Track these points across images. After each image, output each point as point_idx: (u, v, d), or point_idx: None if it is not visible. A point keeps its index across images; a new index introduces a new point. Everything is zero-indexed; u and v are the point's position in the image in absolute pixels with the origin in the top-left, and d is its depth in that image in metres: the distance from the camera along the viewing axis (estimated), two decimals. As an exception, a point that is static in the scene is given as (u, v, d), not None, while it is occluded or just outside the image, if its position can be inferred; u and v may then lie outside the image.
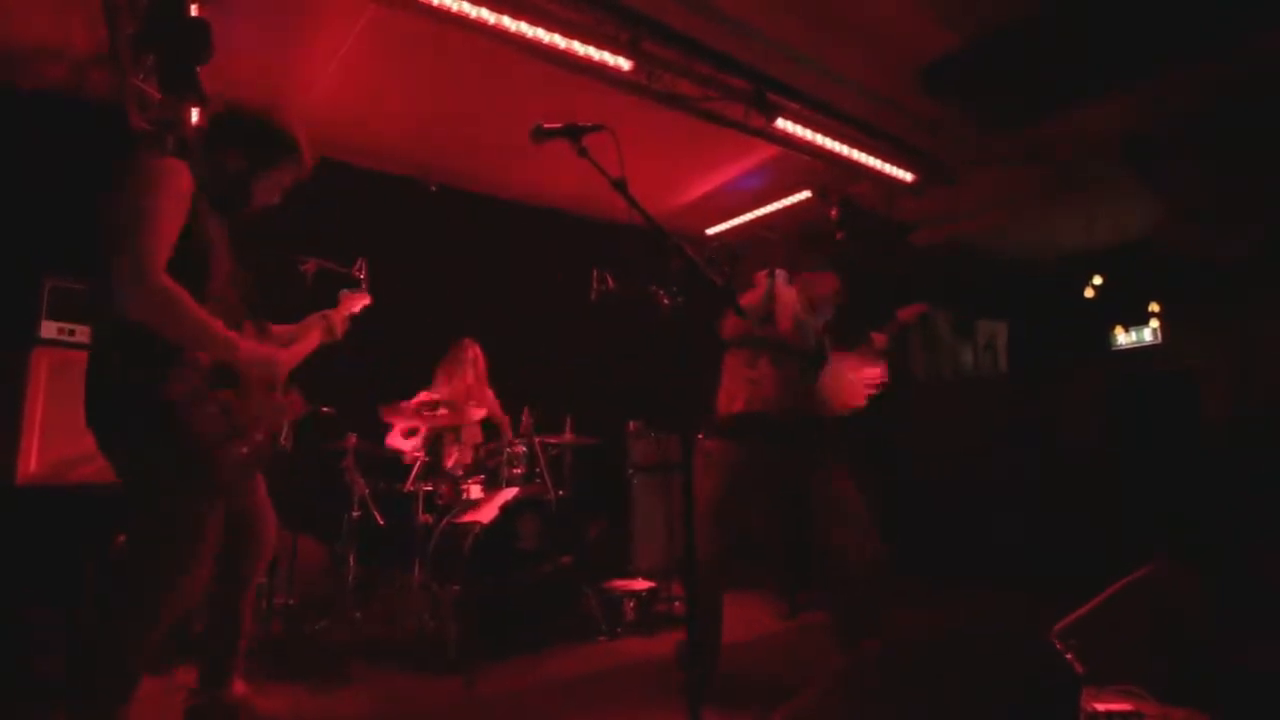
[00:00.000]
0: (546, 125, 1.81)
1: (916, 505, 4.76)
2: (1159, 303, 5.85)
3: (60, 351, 3.07)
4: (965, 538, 4.55)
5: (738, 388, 2.77)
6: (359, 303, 2.45)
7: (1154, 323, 5.92)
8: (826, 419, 2.82)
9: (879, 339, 3.05)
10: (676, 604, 3.76)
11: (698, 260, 1.74)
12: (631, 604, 3.53)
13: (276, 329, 2.14)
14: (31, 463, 2.91)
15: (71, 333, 3.14)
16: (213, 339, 1.67)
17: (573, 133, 1.78)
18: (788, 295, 2.85)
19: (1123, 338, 6.38)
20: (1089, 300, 6.02)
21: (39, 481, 2.93)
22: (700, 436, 2.90)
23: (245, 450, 1.77)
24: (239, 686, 2.19)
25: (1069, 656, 2.09)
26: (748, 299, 2.80)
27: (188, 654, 2.94)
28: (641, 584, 3.70)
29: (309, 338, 2.10)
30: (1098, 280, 5.87)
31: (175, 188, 1.67)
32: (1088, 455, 4.70)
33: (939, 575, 4.14)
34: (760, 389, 2.73)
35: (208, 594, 1.85)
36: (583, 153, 1.77)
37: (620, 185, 1.71)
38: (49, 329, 3.08)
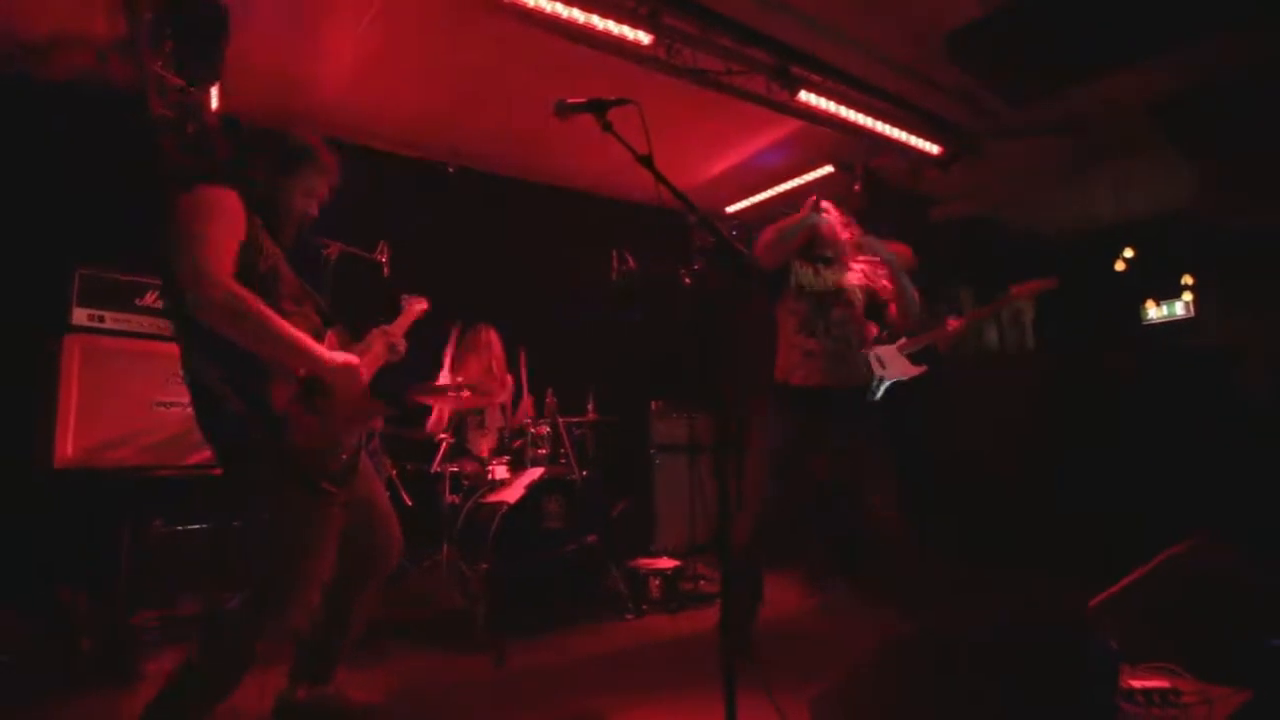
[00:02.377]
0: (570, 100, 1.78)
1: (942, 485, 4.71)
2: (1192, 275, 5.68)
3: (91, 338, 3.11)
4: (994, 518, 4.49)
5: (793, 358, 2.72)
6: (418, 307, 2.43)
7: (1186, 296, 5.76)
8: (869, 386, 2.80)
9: (954, 323, 2.97)
10: (702, 582, 3.77)
11: (725, 234, 1.70)
12: (657, 582, 3.55)
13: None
14: (68, 447, 2.96)
15: (101, 319, 3.19)
16: (291, 343, 1.65)
17: (597, 107, 1.75)
18: (832, 228, 2.79)
19: (1154, 312, 6.23)
20: (1119, 274, 5.87)
21: (75, 465, 2.98)
22: (754, 403, 2.86)
23: (345, 457, 1.79)
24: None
25: (1103, 634, 2.06)
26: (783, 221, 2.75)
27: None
28: (667, 562, 3.71)
29: (373, 352, 2.10)
30: (1129, 253, 5.71)
31: (223, 208, 1.68)
32: (1120, 432, 4.61)
33: (968, 557, 4.10)
34: (820, 361, 2.69)
35: (323, 591, 1.84)
36: (607, 127, 1.74)
37: (647, 160, 1.68)
38: (80, 316, 3.13)
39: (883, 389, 2.99)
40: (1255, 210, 4.44)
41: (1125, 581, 2.47)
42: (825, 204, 2.84)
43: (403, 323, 2.31)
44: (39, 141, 3.50)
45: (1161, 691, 2.22)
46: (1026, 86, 3.21)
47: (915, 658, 1.81)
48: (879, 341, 2.91)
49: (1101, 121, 4.03)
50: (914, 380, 2.91)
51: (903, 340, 2.88)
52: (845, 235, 2.83)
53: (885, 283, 2.84)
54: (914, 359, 2.88)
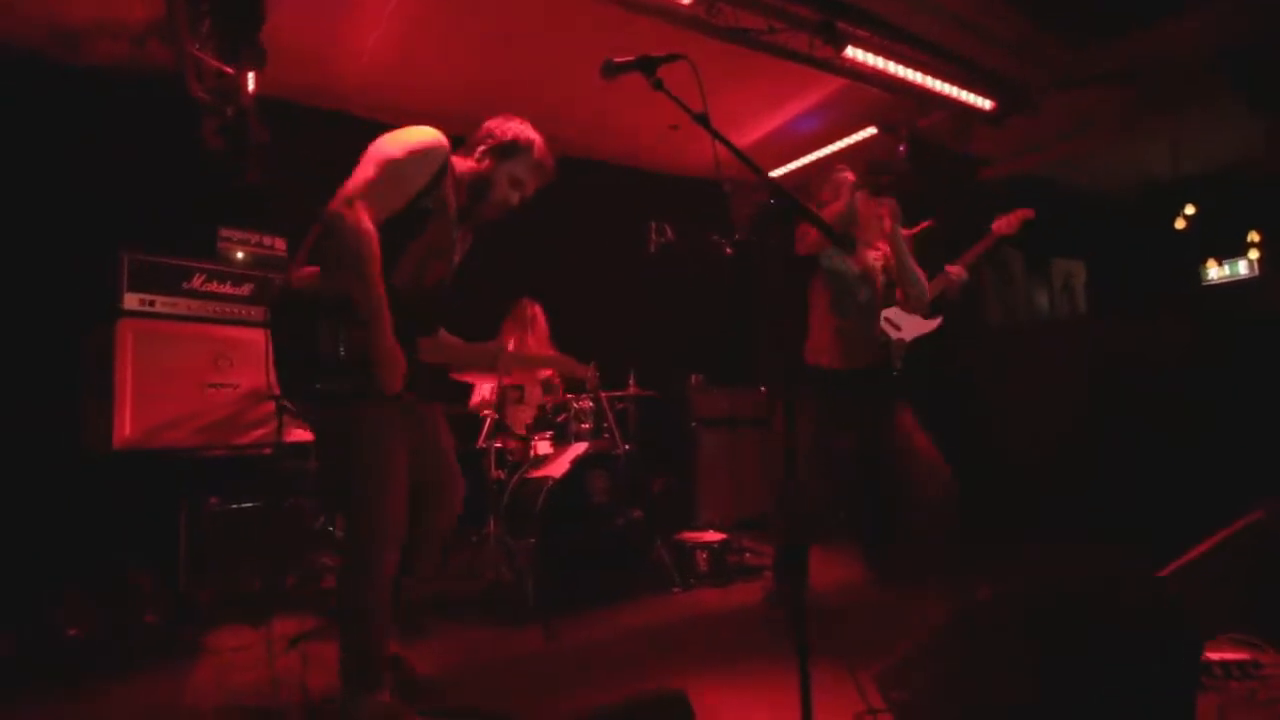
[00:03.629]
0: (618, 59, 1.70)
1: (995, 455, 4.58)
2: (1259, 232, 5.41)
3: (143, 322, 3.17)
4: (1049, 488, 4.36)
5: (826, 340, 2.72)
6: (567, 369, 2.39)
7: (1253, 253, 5.48)
8: (896, 364, 2.77)
9: (955, 270, 2.91)
10: (748, 555, 3.73)
11: (792, 194, 1.62)
12: (704, 555, 3.52)
13: (446, 338, 2.20)
14: (126, 428, 3.03)
15: (152, 304, 3.24)
16: (368, 295, 1.66)
17: (646, 65, 1.67)
18: (871, 212, 2.74)
19: (1214, 271, 5.96)
20: (1178, 233, 5.60)
21: (133, 445, 3.05)
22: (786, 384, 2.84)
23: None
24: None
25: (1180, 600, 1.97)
26: (827, 213, 2.68)
27: (281, 608, 3.09)
28: (713, 535, 3.68)
29: (471, 354, 2.17)
30: (1190, 210, 5.45)
31: (409, 144, 1.77)
32: (1179, 399, 4.42)
33: (1022, 527, 3.99)
34: (849, 343, 2.71)
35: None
36: (658, 85, 1.66)
37: (703, 119, 1.61)
38: (131, 301, 3.18)
39: (903, 352, 2.91)
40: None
41: (1197, 551, 2.37)
42: (847, 173, 2.76)
43: (536, 359, 2.33)
44: (83, 128, 3.54)
45: (1241, 664, 2.14)
46: (1088, 26, 3.02)
47: (986, 626, 1.75)
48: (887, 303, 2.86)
49: (1162, 70, 3.80)
50: (960, 348, 2.85)
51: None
52: (870, 211, 2.76)
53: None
54: (927, 313, 2.81)
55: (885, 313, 2.87)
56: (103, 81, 3.61)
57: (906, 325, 2.87)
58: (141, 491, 3.25)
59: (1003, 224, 2.89)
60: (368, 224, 1.65)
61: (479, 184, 1.96)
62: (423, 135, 1.80)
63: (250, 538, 3.33)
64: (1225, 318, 4.95)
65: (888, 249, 2.78)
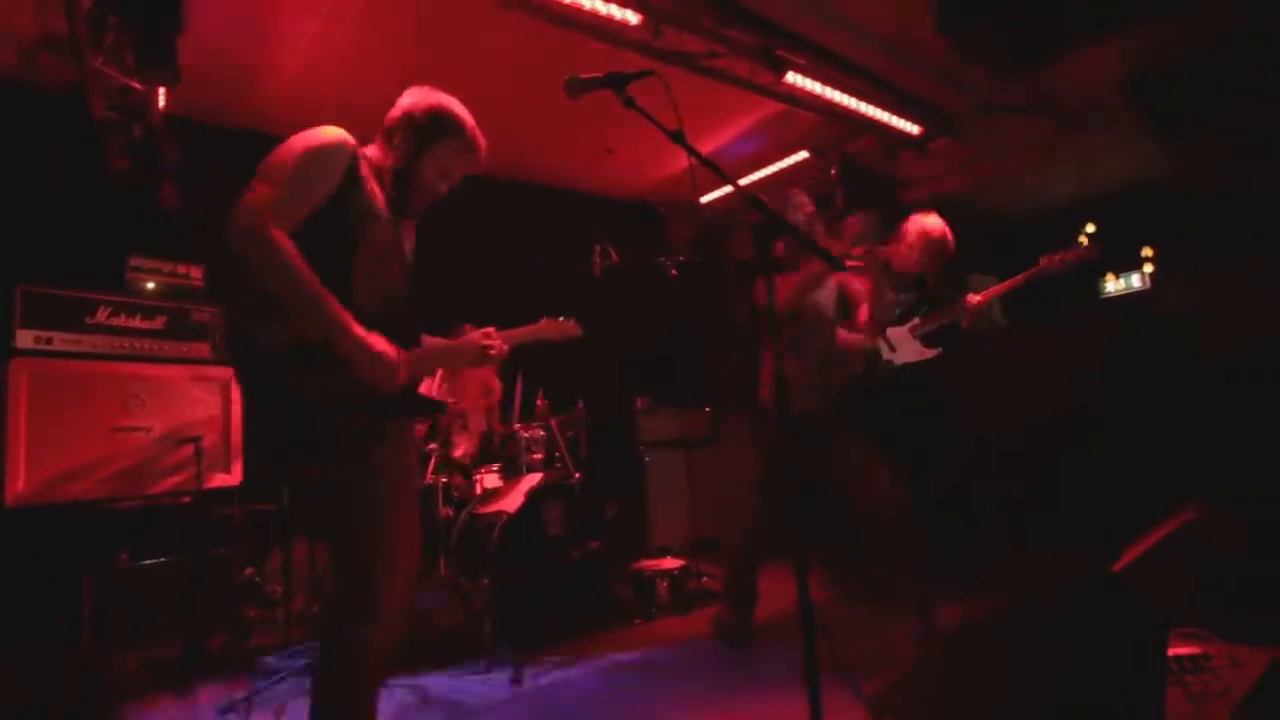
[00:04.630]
0: (584, 76, 1.65)
1: (925, 479, 4.72)
2: (1152, 248, 5.87)
3: (40, 361, 2.85)
4: (981, 501, 4.52)
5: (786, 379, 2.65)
6: (559, 331, 2.16)
7: (1147, 267, 5.94)
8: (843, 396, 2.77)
9: (972, 299, 2.90)
10: (705, 579, 3.67)
11: (778, 213, 1.60)
12: (664, 584, 3.45)
13: (429, 341, 1.94)
14: (19, 482, 2.70)
15: (50, 340, 2.92)
16: (317, 305, 1.48)
17: (616, 82, 1.62)
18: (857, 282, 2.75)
19: (1112, 285, 6.41)
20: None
21: (29, 502, 2.72)
22: (734, 415, 2.82)
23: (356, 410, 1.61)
24: None
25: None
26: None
27: (209, 673, 2.80)
28: (671, 563, 3.61)
29: (461, 352, 1.92)
30: (1090, 229, 5.86)
31: (306, 143, 1.57)
32: (1095, 406, 4.70)
33: (965, 541, 4.11)
34: (808, 389, 2.65)
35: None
36: (629, 103, 1.62)
37: (678, 136, 1.57)
38: (25, 339, 2.85)
39: (885, 373, 2.93)
40: (1217, 179, 4.58)
41: (1144, 545, 2.47)
42: (801, 196, 2.76)
43: (523, 332, 2.07)
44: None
45: (1193, 657, 2.23)
46: (1014, 57, 3.21)
47: (974, 651, 1.75)
48: (893, 323, 2.86)
49: (1074, 96, 4.08)
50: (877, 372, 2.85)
51: (915, 321, 2.82)
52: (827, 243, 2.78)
53: (858, 284, 2.78)
54: (929, 340, 2.82)
55: (887, 332, 2.85)
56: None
57: (903, 349, 2.83)
58: (41, 553, 2.89)
59: (1054, 260, 2.87)
60: (279, 234, 1.46)
61: (401, 176, 1.73)
62: (321, 134, 1.61)
63: (168, 596, 3.02)
64: (1123, 324, 5.34)
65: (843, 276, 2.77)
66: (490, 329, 1.95)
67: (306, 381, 1.53)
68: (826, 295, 2.78)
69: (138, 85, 2.96)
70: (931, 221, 2.89)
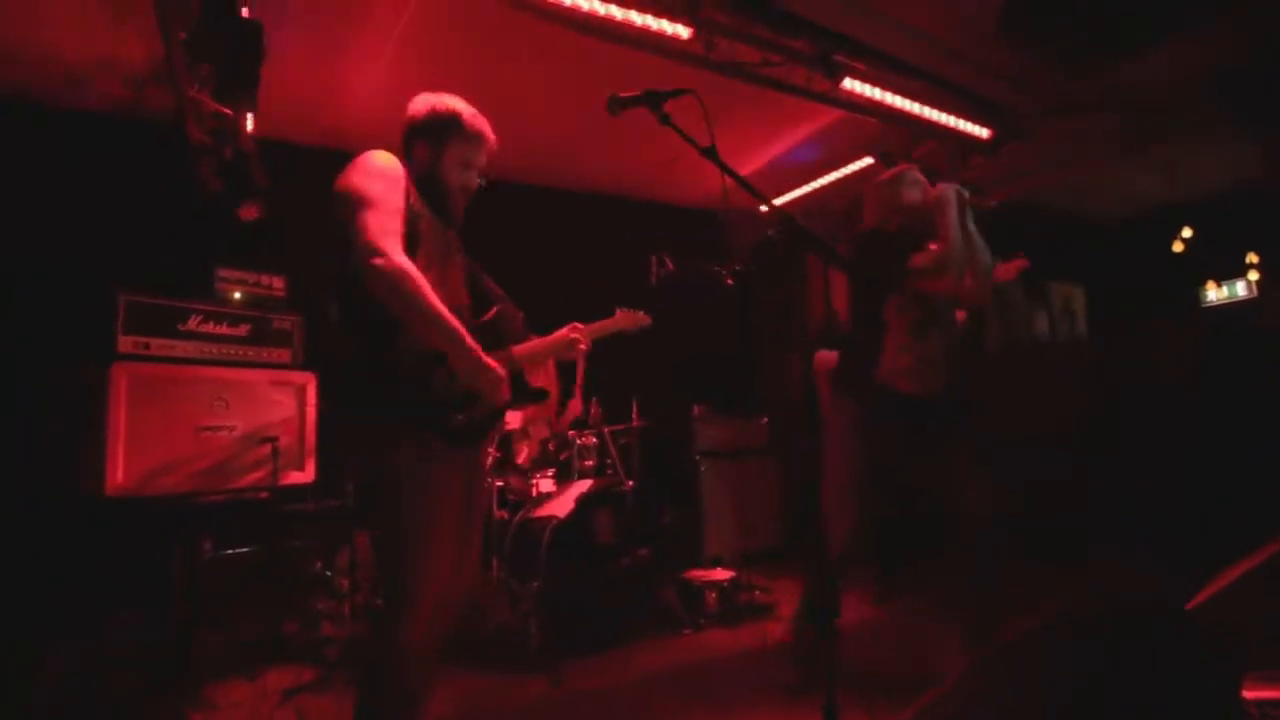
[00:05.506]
0: (623, 94, 1.68)
1: (997, 484, 4.51)
2: (1257, 254, 5.42)
3: (138, 365, 3.11)
4: (1058, 514, 4.29)
5: (902, 362, 2.50)
6: (633, 322, 2.28)
7: (1252, 274, 5.49)
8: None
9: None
10: (757, 592, 3.63)
11: (807, 226, 1.59)
12: (713, 595, 3.43)
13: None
14: (119, 474, 2.96)
15: (147, 346, 3.19)
16: (446, 329, 1.58)
17: (652, 100, 1.65)
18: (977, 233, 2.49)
19: (1214, 293, 5.96)
20: (1176, 255, 5.62)
21: (127, 492, 2.97)
22: (838, 395, 2.68)
23: (461, 418, 1.69)
24: None
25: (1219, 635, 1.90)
26: (944, 236, 2.41)
27: (278, 658, 2.99)
28: (721, 574, 3.59)
29: (554, 345, 2.02)
30: (1187, 233, 5.47)
31: (377, 168, 1.66)
32: (1182, 421, 4.38)
33: (1034, 554, 3.92)
34: (925, 366, 2.49)
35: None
36: (665, 120, 1.64)
37: (710, 152, 1.59)
38: (126, 344, 3.13)
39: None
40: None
41: (1225, 579, 2.29)
42: (917, 175, 2.61)
43: (602, 325, 2.19)
44: (79, 171, 3.53)
45: (1275, 702, 2.06)
46: (1083, 58, 3.04)
47: (1018, 666, 1.67)
48: None
49: (1157, 95, 3.83)
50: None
51: None
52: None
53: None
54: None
55: None
56: (100, 124, 3.62)
57: None
58: (134, 538, 3.16)
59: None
60: (402, 258, 1.55)
61: (428, 181, 1.80)
62: (385, 159, 1.69)
63: (247, 584, 3.24)
64: (1227, 337, 4.94)
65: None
66: (575, 324, 2.06)
67: (437, 377, 1.63)
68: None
69: (229, 111, 3.21)
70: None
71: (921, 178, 2.56)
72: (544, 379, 3.95)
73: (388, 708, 1.66)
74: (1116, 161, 4.71)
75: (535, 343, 1.96)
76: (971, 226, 2.38)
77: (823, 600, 2.52)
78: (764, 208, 5.34)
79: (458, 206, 1.88)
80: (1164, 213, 5.57)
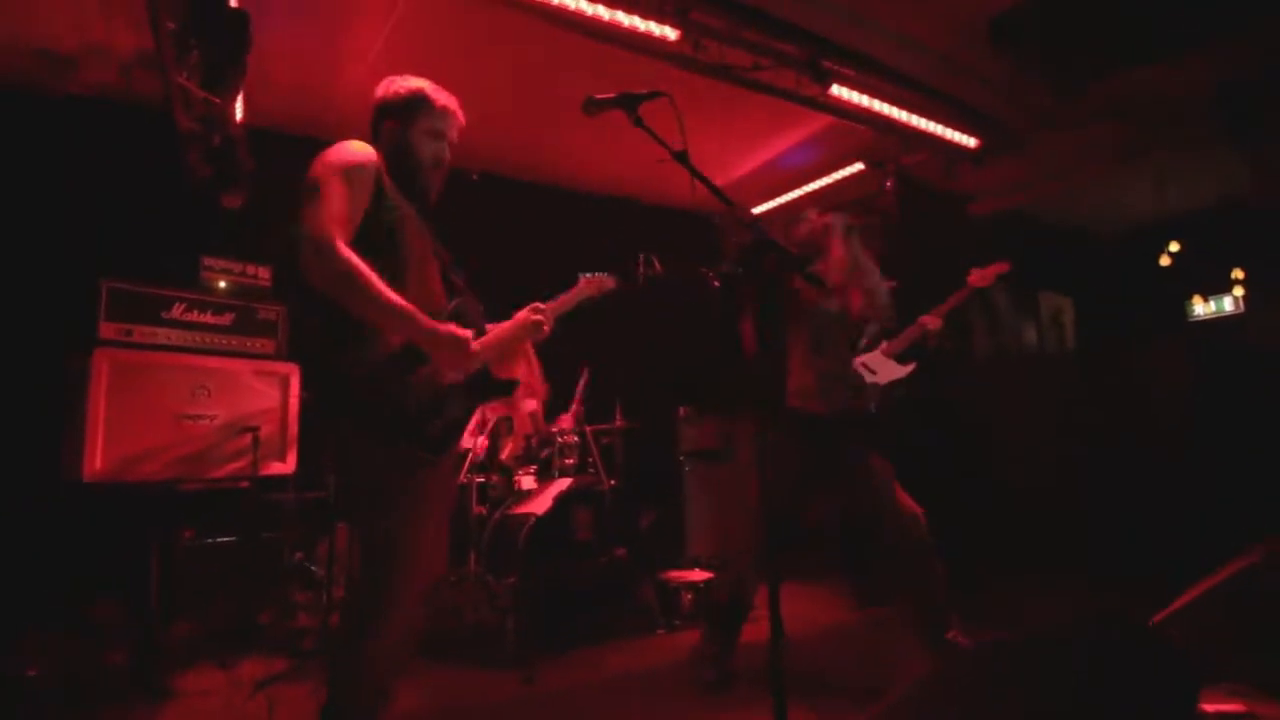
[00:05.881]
0: (599, 96, 1.70)
1: (982, 492, 4.55)
2: (1243, 269, 5.45)
3: (120, 352, 3.11)
4: (1039, 525, 4.32)
5: (810, 383, 2.66)
6: (597, 287, 2.18)
7: (1237, 290, 5.53)
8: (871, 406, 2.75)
9: (930, 321, 2.85)
10: (735, 594, 3.64)
11: (766, 231, 1.60)
12: (689, 595, 3.45)
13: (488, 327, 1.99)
14: (97, 460, 2.95)
15: (129, 333, 3.18)
16: (390, 309, 1.56)
17: (627, 102, 1.67)
18: (865, 256, 2.72)
19: (1200, 308, 6.00)
20: (1164, 269, 5.65)
21: (105, 479, 2.97)
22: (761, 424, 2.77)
23: (439, 424, 1.69)
24: None
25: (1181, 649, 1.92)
26: (831, 258, 2.65)
27: (253, 647, 2.99)
28: (699, 575, 3.60)
29: (516, 329, 1.93)
30: (1174, 247, 5.50)
31: (341, 158, 1.65)
32: (1169, 435, 4.41)
33: (1013, 565, 3.94)
34: (830, 386, 2.64)
35: None
36: (638, 122, 1.65)
37: (681, 156, 1.60)
38: (108, 330, 3.12)
39: (878, 395, 2.89)
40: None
41: (1191, 595, 2.31)
42: (828, 216, 2.77)
43: (565, 299, 2.10)
44: (65, 156, 3.52)
45: (1237, 715, 2.08)
46: (1074, 72, 3.06)
47: (973, 678, 1.69)
48: (862, 350, 2.83)
49: (1148, 110, 3.86)
50: (946, 385, 2.80)
51: (884, 344, 2.79)
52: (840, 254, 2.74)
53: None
54: (902, 358, 2.79)
55: (862, 358, 2.85)
56: (87, 110, 3.60)
57: (881, 370, 2.86)
58: (113, 524, 3.16)
59: (978, 277, 2.85)
60: (345, 249, 1.54)
61: (399, 156, 1.79)
62: (350, 148, 1.69)
63: (224, 573, 3.24)
64: (1213, 352, 4.98)
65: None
66: (535, 304, 1.97)
67: (402, 393, 1.62)
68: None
69: (217, 99, 3.21)
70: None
71: (811, 214, 2.73)
72: (524, 370, 3.95)
73: (356, 703, 1.67)
74: (1107, 174, 4.73)
75: (495, 331, 1.90)
76: (858, 251, 2.62)
77: (729, 606, 2.65)
78: (752, 212, 5.33)
79: (431, 180, 1.87)
80: (1154, 226, 5.60)
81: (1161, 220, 5.46)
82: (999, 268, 2.83)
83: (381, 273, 1.57)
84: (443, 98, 1.85)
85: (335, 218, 1.56)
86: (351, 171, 1.64)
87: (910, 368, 2.84)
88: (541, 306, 1.96)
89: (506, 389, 1.92)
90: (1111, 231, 5.95)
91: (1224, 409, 4.30)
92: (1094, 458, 4.63)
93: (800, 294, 2.67)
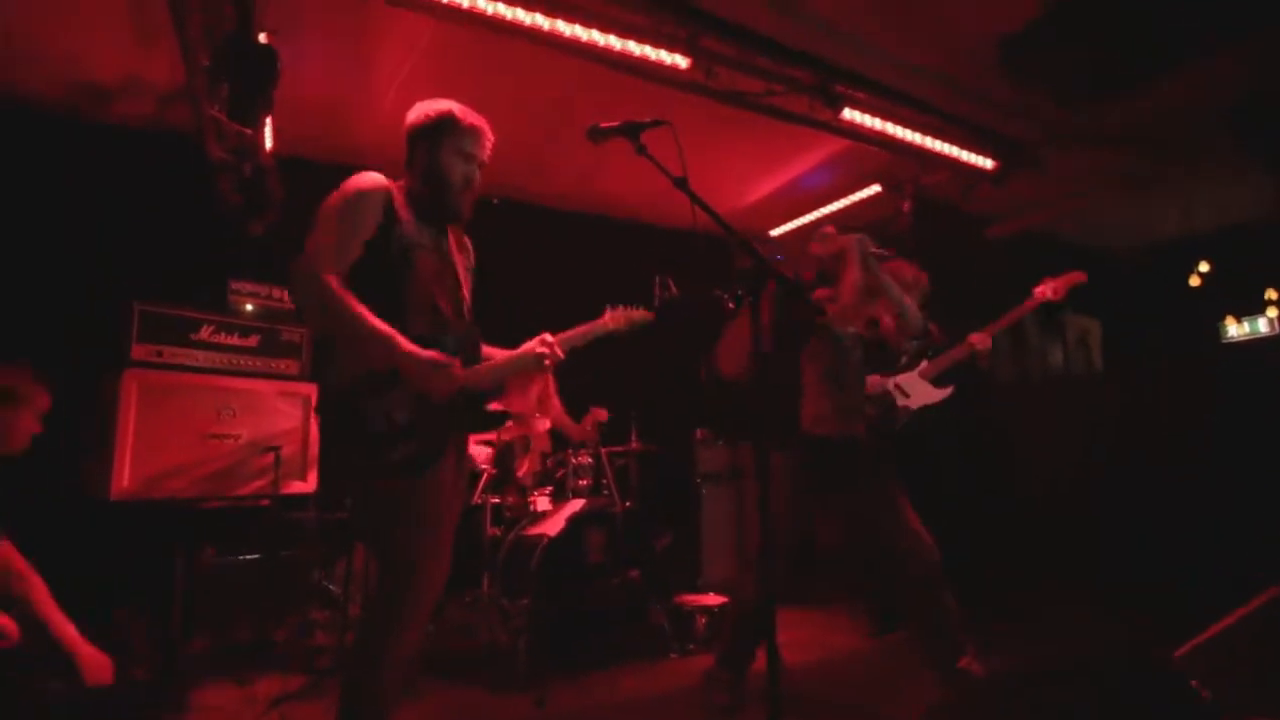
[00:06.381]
0: (604, 124, 1.74)
1: (1008, 515, 4.45)
2: (1277, 290, 5.32)
3: (149, 373, 3.21)
4: (1064, 551, 4.21)
5: (822, 407, 2.59)
6: (626, 320, 2.13)
7: (1271, 311, 5.38)
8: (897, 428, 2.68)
9: (979, 340, 2.79)
10: (750, 619, 3.60)
11: (766, 256, 1.62)
12: (703, 619, 3.42)
13: (488, 352, 1.99)
14: (125, 478, 3.05)
15: (159, 354, 3.29)
16: (369, 335, 1.61)
17: (631, 130, 1.71)
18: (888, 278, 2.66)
19: (1234, 329, 5.85)
20: (1194, 289, 5.53)
21: (131, 496, 3.06)
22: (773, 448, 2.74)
23: (413, 446, 1.70)
24: None
25: (1196, 685, 1.87)
26: (846, 281, 2.58)
27: (270, 665, 3.03)
28: (713, 599, 3.57)
29: (519, 360, 1.92)
30: (1204, 267, 5.39)
31: (353, 199, 1.73)
32: (1199, 460, 4.28)
33: (1037, 591, 3.85)
34: (846, 410, 2.58)
35: None
36: (641, 150, 1.69)
37: (682, 183, 1.63)
38: (139, 351, 3.23)
39: (906, 418, 2.84)
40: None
41: (1219, 626, 2.24)
42: (830, 229, 2.73)
43: (580, 331, 2.07)
44: (102, 183, 3.67)
45: (1264, 752, 2.00)
46: (1086, 91, 3.04)
47: (988, 709, 1.66)
48: (900, 369, 2.77)
49: (1169, 128, 3.81)
50: (971, 408, 2.73)
51: (924, 365, 2.73)
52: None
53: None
54: (939, 381, 2.72)
55: (897, 379, 2.80)
56: (124, 139, 3.76)
57: (915, 393, 2.79)
58: (137, 541, 3.23)
59: (1048, 288, 2.76)
60: (328, 276, 1.61)
61: (431, 178, 1.86)
62: (358, 179, 1.77)
63: (244, 590, 3.30)
64: (1247, 374, 4.83)
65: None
66: (545, 334, 1.96)
67: (371, 411, 1.66)
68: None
69: (248, 130, 3.33)
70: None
71: (830, 230, 2.63)
72: (537, 390, 3.98)
73: (377, 703, 1.71)
74: (1130, 194, 4.67)
75: (493, 359, 1.92)
76: (877, 274, 2.50)
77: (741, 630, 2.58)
78: (772, 233, 5.32)
79: (462, 200, 1.92)
80: (1183, 246, 5.50)
81: (1190, 240, 5.36)
82: (1073, 278, 2.73)
83: (381, 293, 1.64)
84: (471, 117, 1.91)
85: (323, 249, 1.64)
86: (350, 202, 1.72)
87: (947, 392, 2.75)
88: (550, 338, 1.95)
89: (495, 421, 1.93)
90: (1141, 251, 5.84)
91: (1256, 431, 4.17)
92: (1120, 479, 4.51)
93: (816, 320, 2.60)
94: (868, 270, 2.48)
